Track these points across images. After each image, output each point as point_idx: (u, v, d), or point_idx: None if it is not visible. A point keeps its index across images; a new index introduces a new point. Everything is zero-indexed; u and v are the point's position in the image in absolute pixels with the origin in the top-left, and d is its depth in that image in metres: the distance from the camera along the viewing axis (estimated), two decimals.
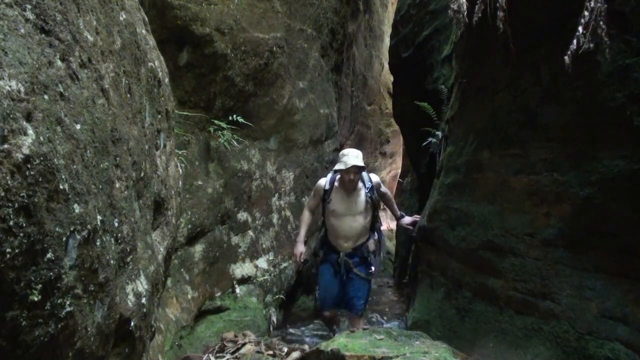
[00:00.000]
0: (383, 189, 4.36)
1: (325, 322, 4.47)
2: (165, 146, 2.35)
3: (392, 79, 8.25)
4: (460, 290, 3.43)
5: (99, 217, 1.34)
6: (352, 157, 4.01)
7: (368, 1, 10.05)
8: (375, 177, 4.26)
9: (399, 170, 11.64)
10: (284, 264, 5.12)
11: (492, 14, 2.82)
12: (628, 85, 2.31)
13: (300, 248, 4.25)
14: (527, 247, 2.87)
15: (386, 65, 9.65)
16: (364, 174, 4.19)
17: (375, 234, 4.28)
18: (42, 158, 1.03)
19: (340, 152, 4.16)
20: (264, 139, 5.00)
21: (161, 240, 2.22)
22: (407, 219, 4.47)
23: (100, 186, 1.39)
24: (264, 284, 4.68)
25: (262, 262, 4.76)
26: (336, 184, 4.16)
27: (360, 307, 4.13)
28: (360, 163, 4.00)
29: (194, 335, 3.71)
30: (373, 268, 4.17)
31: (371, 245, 4.20)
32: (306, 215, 4.36)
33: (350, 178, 3.96)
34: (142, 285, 1.79)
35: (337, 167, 4.03)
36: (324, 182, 4.24)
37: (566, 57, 2.36)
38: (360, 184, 4.14)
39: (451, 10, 3.05)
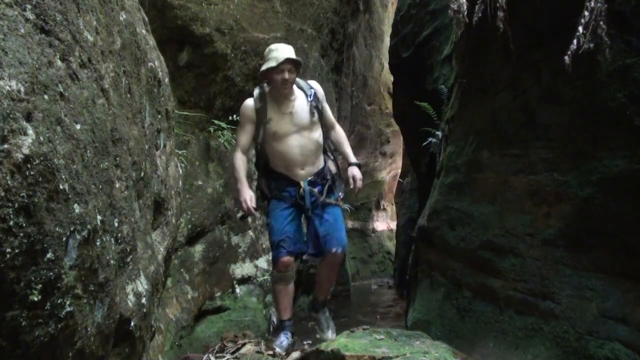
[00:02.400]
0: (327, 107, 3.47)
1: (281, 274, 3.33)
2: (165, 146, 2.35)
3: (392, 79, 8.25)
4: (460, 290, 3.43)
5: (99, 217, 1.34)
6: (284, 50, 3.19)
7: (368, 1, 10.05)
8: (317, 85, 3.44)
9: (399, 170, 11.66)
10: None
11: (492, 14, 2.83)
12: (628, 85, 2.31)
13: (247, 191, 3.23)
14: (527, 247, 2.87)
15: (386, 65, 9.65)
16: (301, 81, 3.41)
17: (330, 154, 3.53)
18: (42, 158, 1.03)
19: (267, 49, 3.30)
20: None
21: (161, 240, 2.22)
22: (354, 171, 3.41)
23: (100, 186, 1.39)
24: (264, 284, 4.68)
25: (262, 262, 4.76)
26: (268, 98, 3.29)
27: (345, 242, 3.33)
28: (294, 56, 3.21)
29: (194, 335, 3.71)
30: (341, 194, 3.42)
31: (332, 167, 3.46)
32: (240, 158, 3.30)
33: (285, 77, 3.13)
34: (142, 285, 1.79)
35: (267, 65, 3.16)
36: (251, 102, 3.30)
37: (566, 57, 2.36)
38: (297, 92, 3.33)
39: (451, 10, 3.05)
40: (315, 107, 3.31)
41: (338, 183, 3.43)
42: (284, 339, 3.30)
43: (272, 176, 3.36)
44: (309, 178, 3.31)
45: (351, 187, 3.43)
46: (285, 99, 3.26)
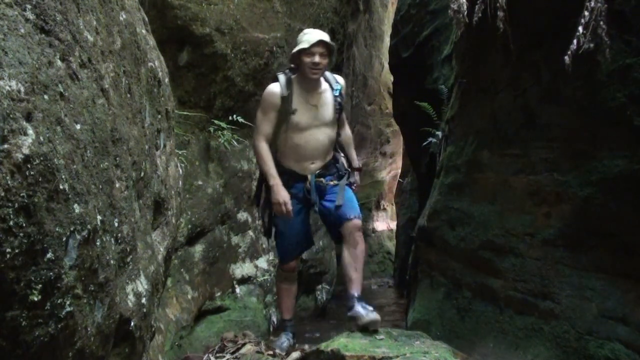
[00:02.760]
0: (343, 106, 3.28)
1: (287, 277, 3.35)
2: (165, 146, 2.35)
3: (392, 79, 8.24)
4: (460, 290, 3.43)
5: (99, 217, 1.34)
6: (317, 33, 3.06)
7: (368, 1, 10.04)
8: (343, 82, 3.28)
9: (399, 170, 11.65)
10: None
11: (492, 14, 2.83)
12: (628, 85, 2.32)
13: (284, 191, 3.04)
14: (527, 247, 2.87)
15: (386, 65, 9.65)
16: (329, 74, 3.24)
17: (341, 150, 3.40)
18: (42, 158, 1.03)
19: (301, 33, 3.17)
20: None
21: (161, 240, 2.22)
22: (357, 177, 3.39)
23: (100, 186, 1.39)
24: (264, 284, 4.68)
25: (262, 262, 4.76)
26: (295, 86, 3.09)
27: (359, 210, 3.14)
28: (328, 40, 3.05)
29: (194, 335, 3.71)
30: (354, 184, 3.30)
31: (343, 160, 3.35)
32: (265, 148, 3.09)
33: (315, 61, 2.97)
34: (142, 285, 1.79)
35: (299, 47, 3.01)
36: (277, 88, 3.07)
37: (566, 57, 2.36)
38: (325, 85, 3.17)
39: (451, 10, 3.05)
40: (339, 103, 3.18)
41: (351, 176, 3.32)
42: (284, 340, 3.29)
43: (278, 169, 3.14)
44: (317, 172, 3.18)
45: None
46: (313, 90, 3.12)
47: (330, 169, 3.26)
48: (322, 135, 3.15)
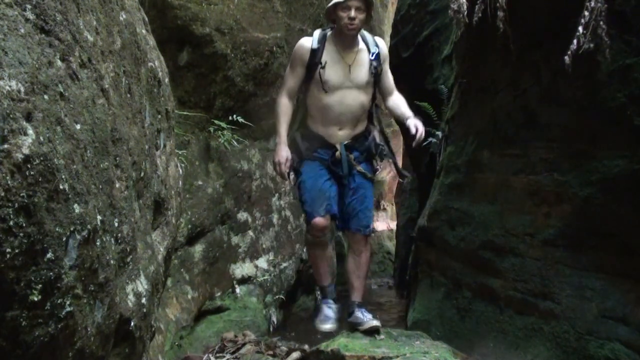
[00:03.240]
0: (389, 71, 3.16)
1: (316, 239, 3.09)
2: (165, 146, 2.35)
3: None
4: (460, 290, 3.43)
5: (99, 217, 1.34)
6: None
7: None
8: (383, 44, 3.11)
9: None
10: (284, 264, 5.12)
11: (492, 14, 2.83)
12: (628, 85, 2.32)
13: (285, 151, 2.98)
14: (527, 247, 2.87)
15: None
16: (368, 35, 3.08)
17: (378, 124, 3.20)
18: (42, 158, 1.03)
19: None
20: (264, 139, 5.00)
21: (161, 240, 2.22)
22: (415, 120, 3.00)
23: (100, 186, 1.39)
24: (264, 284, 4.68)
25: (262, 262, 4.76)
26: (329, 42, 2.97)
27: (370, 222, 3.09)
28: None
29: (194, 335, 3.71)
30: (379, 168, 3.16)
31: (377, 136, 3.13)
32: (285, 104, 3.02)
33: (351, 15, 2.82)
34: (142, 285, 1.79)
35: (334, 0, 2.86)
36: (309, 41, 2.97)
37: (566, 57, 2.36)
38: (362, 45, 3.03)
39: (451, 10, 3.05)
40: (375, 67, 3.00)
41: (380, 154, 3.14)
42: (328, 312, 3.07)
43: (307, 137, 3.05)
44: (346, 142, 3.02)
45: (412, 133, 2.97)
46: (348, 48, 2.97)
47: (361, 143, 3.09)
48: (353, 99, 2.97)
